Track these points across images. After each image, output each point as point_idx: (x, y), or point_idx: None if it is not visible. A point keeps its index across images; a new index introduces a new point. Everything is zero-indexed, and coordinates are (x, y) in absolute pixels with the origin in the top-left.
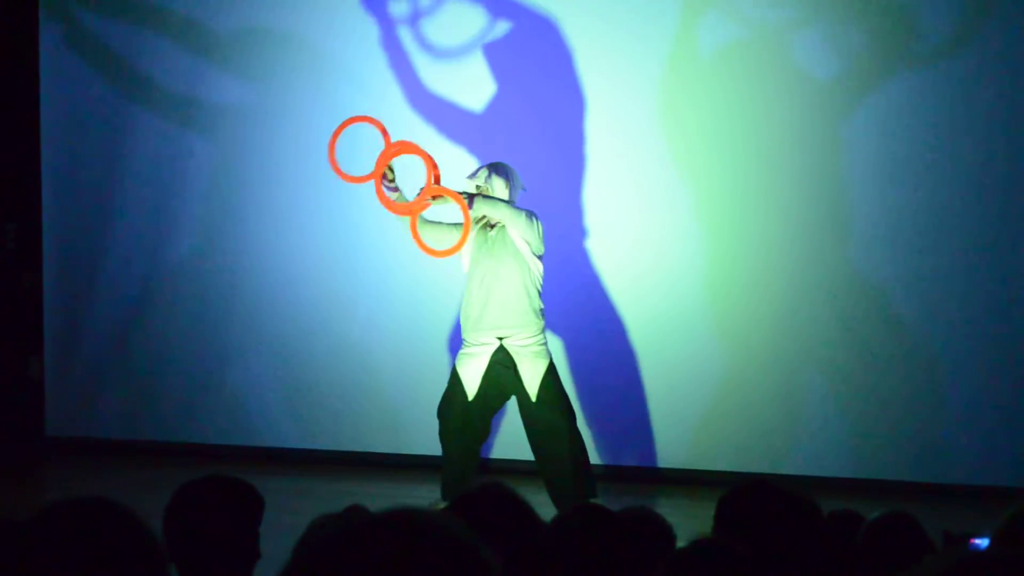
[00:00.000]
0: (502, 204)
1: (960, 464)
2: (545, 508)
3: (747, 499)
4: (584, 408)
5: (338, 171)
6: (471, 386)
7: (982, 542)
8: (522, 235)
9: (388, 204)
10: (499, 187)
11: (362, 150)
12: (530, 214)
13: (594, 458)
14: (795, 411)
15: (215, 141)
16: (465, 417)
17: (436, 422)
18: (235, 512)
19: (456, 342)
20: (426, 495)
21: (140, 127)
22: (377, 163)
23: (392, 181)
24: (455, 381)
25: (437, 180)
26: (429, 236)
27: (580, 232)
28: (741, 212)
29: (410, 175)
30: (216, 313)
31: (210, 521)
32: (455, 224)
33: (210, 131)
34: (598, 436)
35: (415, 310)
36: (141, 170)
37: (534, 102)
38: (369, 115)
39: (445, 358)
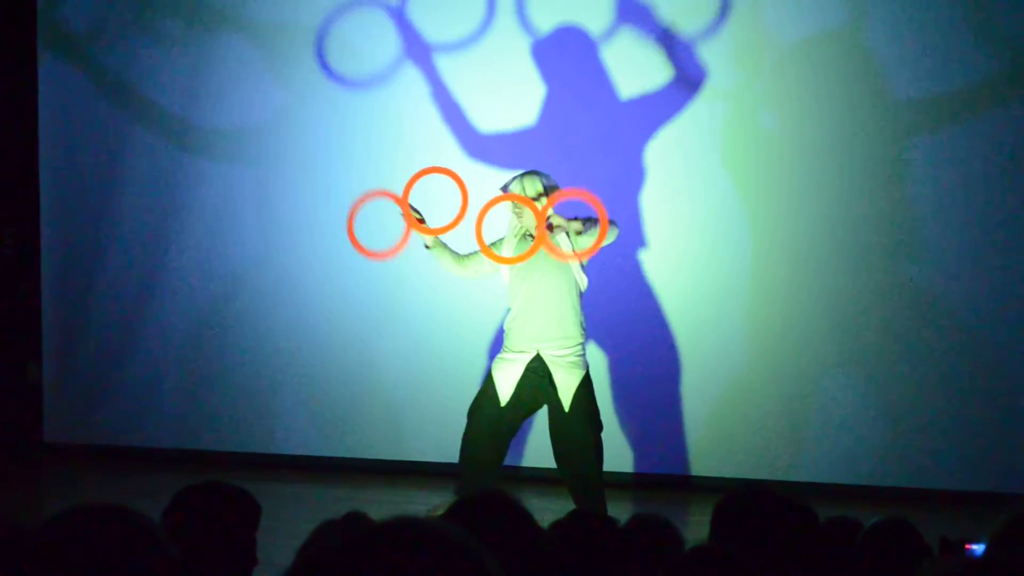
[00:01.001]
0: (612, 228)
1: (957, 471)
2: (544, 515)
3: (744, 505)
4: (619, 416)
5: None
6: (505, 392)
7: (978, 548)
8: (582, 262)
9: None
10: (532, 193)
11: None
12: (613, 224)
13: (623, 465)
14: (793, 418)
15: (214, 148)
16: (495, 422)
17: (438, 428)
18: (232, 518)
19: (459, 348)
20: (426, 501)
21: (138, 134)
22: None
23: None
24: (489, 385)
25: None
26: (468, 267)
27: (623, 242)
28: (771, 224)
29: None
30: (214, 318)
31: (207, 527)
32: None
33: (209, 138)
34: (627, 443)
35: (417, 316)
36: (139, 176)
37: (576, 106)
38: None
39: (447, 364)
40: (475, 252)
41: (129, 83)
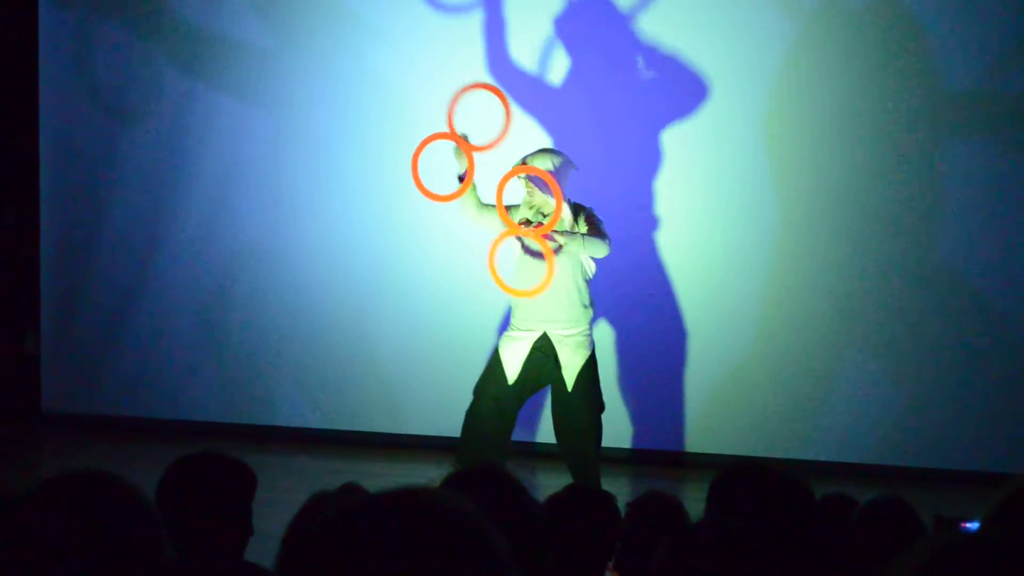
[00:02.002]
0: (603, 242)
1: (952, 450)
2: (540, 490)
3: (740, 481)
4: (620, 392)
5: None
6: (512, 369)
7: (972, 526)
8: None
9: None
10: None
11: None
12: (604, 236)
13: (621, 441)
14: (789, 396)
15: (215, 121)
16: (500, 400)
17: (433, 402)
18: (228, 488)
19: (454, 322)
20: (423, 474)
21: (139, 103)
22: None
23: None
24: (496, 362)
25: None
26: (483, 217)
27: (624, 219)
28: (749, 202)
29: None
30: (213, 291)
31: (203, 497)
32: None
33: (209, 111)
34: (628, 419)
35: (414, 289)
36: (140, 146)
37: (587, 84)
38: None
39: (443, 337)
40: (493, 205)
41: (131, 48)
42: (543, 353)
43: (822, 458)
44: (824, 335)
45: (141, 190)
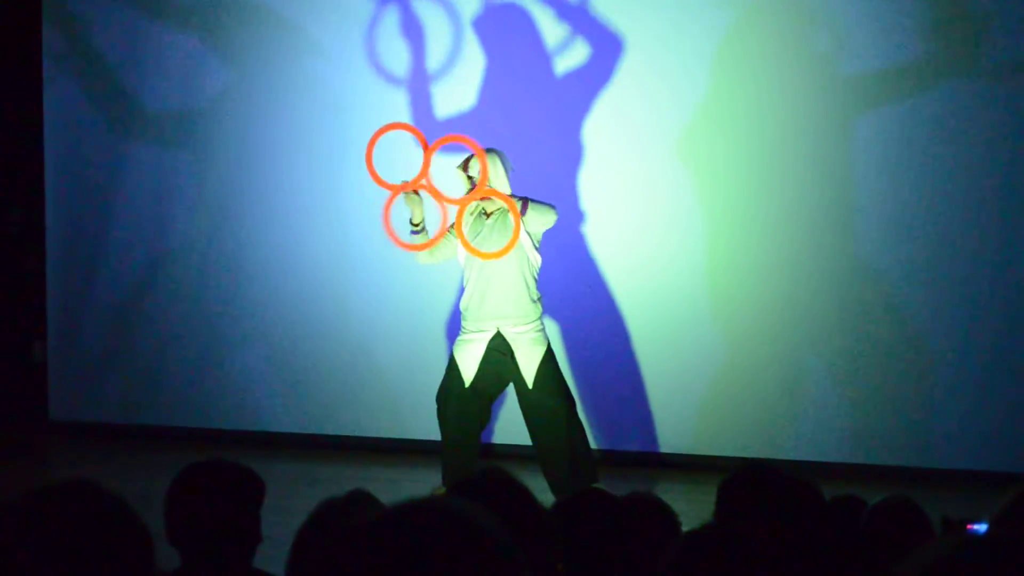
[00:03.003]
0: (545, 208)
1: (961, 450)
2: (546, 494)
3: (748, 483)
4: (584, 394)
5: (376, 178)
6: (468, 372)
7: (980, 527)
8: (543, 229)
9: (438, 196)
10: (495, 176)
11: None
12: (551, 206)
13: (595, 443)
14: (796, 397)
15: (218, 128)
16: (463, 403)
17: (435, 406)
18: (236, 496)
19: (454, 327)
20: (426, 479)
21: (143, 112)
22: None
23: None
24: (452, 367)
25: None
26: (438, 248)
27: (579, 217)
28: (743, 198)
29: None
30: (218, 298)
31: (211, 505)
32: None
33: (213, 117)
34: (599, 422)
35: (414, 295)
36: (144, 155)
37: (529, 84)
38: (402, 122)
39: (444, 343)
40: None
41: (131, 61)
42: (500, 352)
43: (828, 459)
44: (829, 335)
45: (144, 201)
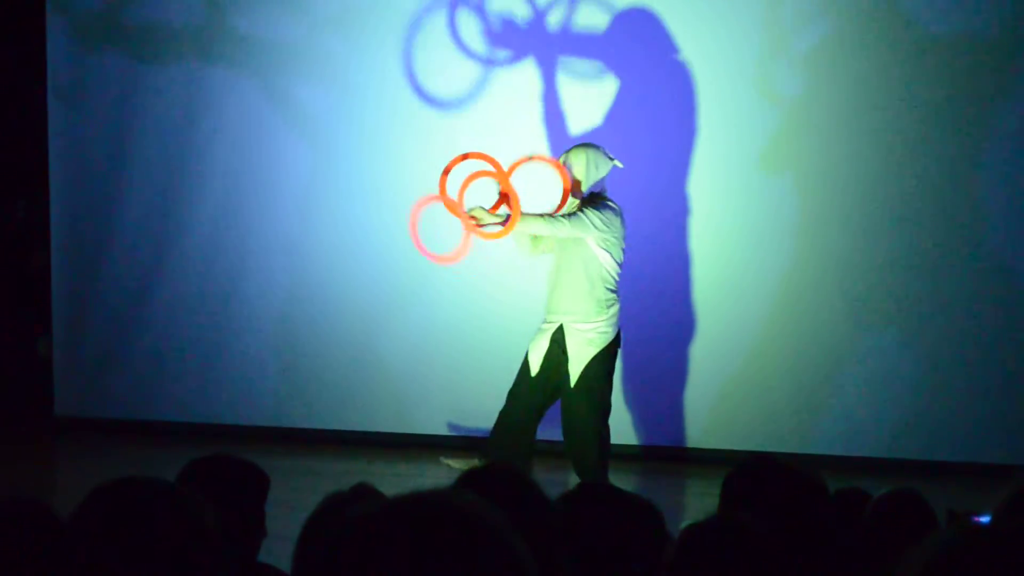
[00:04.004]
0: (533, 220)
1: (966, 443)
2: (553, 487)
3: (753, 476)
4: (627, 388)
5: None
6: (535, 362)
7: (985, 520)
8: (570, 237)
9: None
10: (576, 167)
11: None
12: (582, 216)
13: (628, 438)
14: (801, 390)
15: (223, 121)
16: (528, 393)
17: (442, 402)
18: (241, 491)
19: (461, 321)
20: (431, 474)
21: (148, 106)
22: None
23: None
24: (526, 354)
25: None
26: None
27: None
28: (757, 196)
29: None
30: (223, 294)
31: (216, 500)
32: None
33: (218, 111)
34: (634, 417)
35: (422, 290)
36: (149, 150)
37: (596, 82)
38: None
39: (451, 338)
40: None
41: (137, 50)
42: (559, 346)
43: (834, 452)
44: (835, 329)
45: (150, 194)
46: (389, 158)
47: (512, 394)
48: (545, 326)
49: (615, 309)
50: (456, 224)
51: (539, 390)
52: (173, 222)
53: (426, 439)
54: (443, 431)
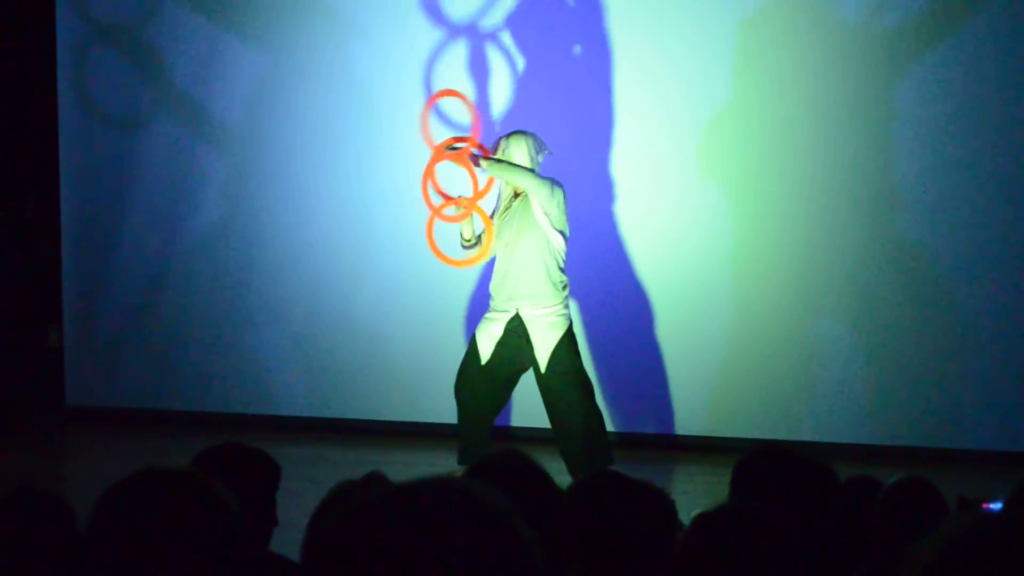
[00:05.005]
0: (520, 170)
1: (977, 430)
2: (564, 476)
3: (763, 464)
4: (602, 376)
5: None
6: (485, 351)
7: (996, 506)
8: (542, 204)
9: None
10: (518, 154)
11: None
12: (553, 183)
13: (612, 426)
14: (812, 378)
15: (232, 114)
16: (477, 381)
17: (451, 390)
18: (252, 480)
19: (471, 310)
20: (442, 463)
21: (158, 99)
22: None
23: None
24: (472, 345)
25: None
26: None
27: (597, 197)
28: (762, 178)
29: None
30: (233, 282)
31: (227, 489)
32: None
33: (228, 103)
34: (616, 404)
35: (431, 279)
36: (159, 141)
37: (556, 67)
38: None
39: (460, 326)
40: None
41: (147, 42)
42: (517, 335)
43: (844, 440)
44: (844, 316)
45: (159, 185)
46: (398, 155)
47: (460, 389)
48: (495, 314)
49: (568, 290)
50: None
51: (488, 380)
52: (181, 214)
53: (437, 428)
54: (453, 419)
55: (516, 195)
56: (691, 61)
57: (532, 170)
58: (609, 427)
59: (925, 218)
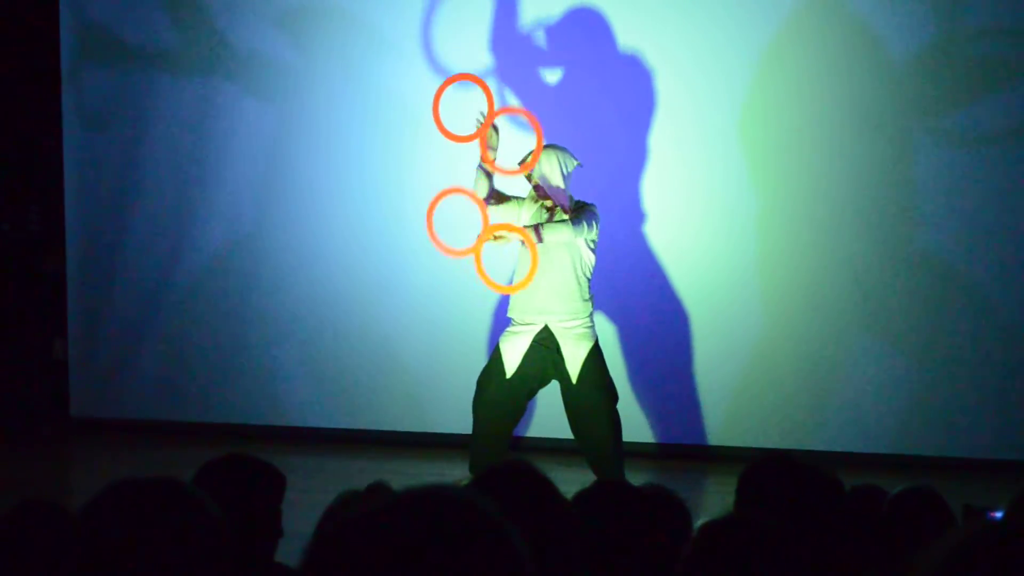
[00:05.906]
0: (565, 226)
1: (982, 438)
2: (569, 486)
3: (768, 474)
4: (633, 386)
5: (443, 130)
6: (511, 364)
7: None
8: (586, 239)
9: (447, 250)
10: (549, 170)
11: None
12: (591, 218)
13: (644, 436)
14: (821, 389)
15: (237, 124)
16: (500, 393)
17: (458, 401)
18: (257, 490)
19: (477, 320)
20: (448, 473)
21: (163, 109)
22: (482, 127)
23: (494, 148)
24: (496, 357)
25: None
26: (500, 215)
27: (623, 208)
28: (789, 191)
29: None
30: (238, 294)
31: (232, 500)
32: (518, 199)
33: (232, 114)
34: (648, 414)
35: (438, 289)
36: (163, 153)
37: (587, 79)
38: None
39: (467, 336)
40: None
41: (150, 58)
42: (545, 347)
43: (850, 449)
44: (848, 326)
45: (164, 197)
46: (406, 160)
47: (482, 391)
48: (521, 327)
49: (593, 302)
50: (470, 221)
51: (513, 394)
52: (186, 225)
53: (444, 438)
54: (458, 429)
55: (549, 210)
56: (719, 67)
57: (571, 219)
58: (641, 437)
59: (926, 228)
